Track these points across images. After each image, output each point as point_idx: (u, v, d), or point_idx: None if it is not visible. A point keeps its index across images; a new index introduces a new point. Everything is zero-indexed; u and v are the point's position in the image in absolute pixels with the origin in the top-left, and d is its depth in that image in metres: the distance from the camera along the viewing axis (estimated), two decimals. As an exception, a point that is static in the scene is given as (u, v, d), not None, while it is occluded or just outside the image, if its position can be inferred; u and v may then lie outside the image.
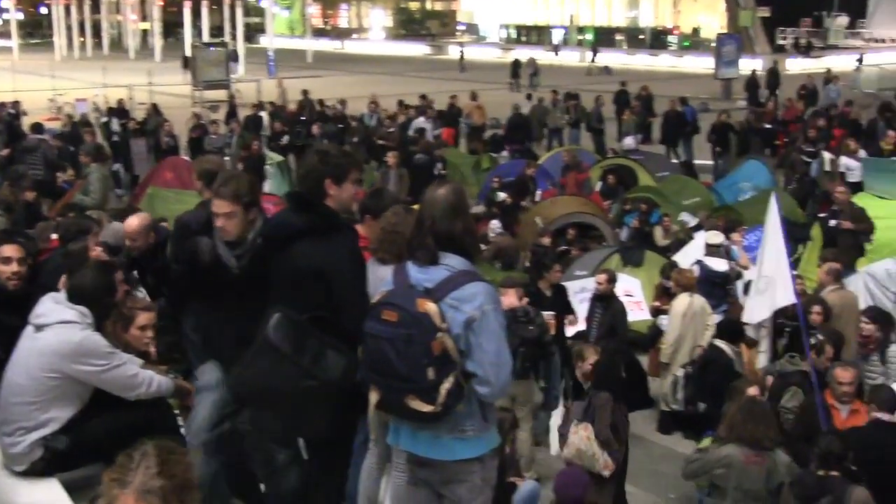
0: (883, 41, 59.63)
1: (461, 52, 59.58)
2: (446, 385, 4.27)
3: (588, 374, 8.86)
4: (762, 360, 9.68)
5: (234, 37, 59.77)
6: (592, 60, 55.08)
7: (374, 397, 4.50)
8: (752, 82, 35.15)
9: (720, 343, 10.00)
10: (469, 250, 4.56)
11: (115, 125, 26.12)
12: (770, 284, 9.20)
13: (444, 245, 4.50)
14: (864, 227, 14.25)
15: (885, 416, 7.56)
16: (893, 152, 20.79)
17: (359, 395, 4.64)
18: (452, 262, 4.47)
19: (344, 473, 5.44)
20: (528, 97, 30.91)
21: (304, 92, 31.14)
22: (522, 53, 56.91)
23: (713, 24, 64.59)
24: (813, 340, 8.89)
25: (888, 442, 7.05)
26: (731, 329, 10.41)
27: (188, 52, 47.53)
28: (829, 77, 33.73)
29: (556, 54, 57.82)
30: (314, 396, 4.79)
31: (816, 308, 10.02)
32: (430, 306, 4.29)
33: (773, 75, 37.49)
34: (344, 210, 5.14)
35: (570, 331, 11.41)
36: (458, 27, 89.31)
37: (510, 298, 9.75)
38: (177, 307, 6.01)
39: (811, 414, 8.24)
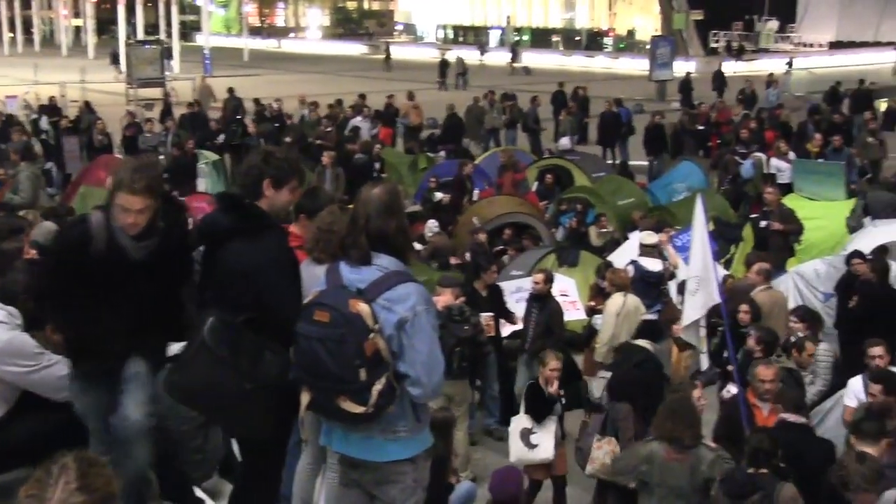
0: (811, 45, 60.75)
1: (386, 50, 59.30)
2: (378, 386, 4.25)
3: (550, 379, 8.87)
4: (703, 361, 9.76)
5: (169, 34, 59.08)
6: (513, 61, 55.31)
7: (305, 398, 4.46)
8: (685, 84, 35.57)
9: (643, 343, 10.03)
10: (402, 250, 4.55)
11: (45, 123, 25.67)
12: (701, 284, 9.28)
13: (377, 244, 4.48)
14: (794, 228, 14.52)
15: (791, 417, 7.68)
16: (820, 154, 21.16)
17: (294, 395, 4.59)
18: (385, 262, 4.45)
19: (278, 474, 5.39)
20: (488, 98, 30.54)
21: (230, 90, 30.73)
22: (462, 54, 57.09)
23: (648, 26, 65.26)
24: (793, 338, 8.86)
25: (794, 442, 7.13)
26: (651, 329, 10.42)
27: (122, 50, 46.87)
28: (770, 80, 34.26)
29: (482, 55, 57.77)
30: (252, 398, 4.74)
31: (744, 307, 10.15)
32: (363, 307, 4.27)
33: (719, 78, 38.04)
34: (277, 214, 5.07)
35: (506, 330, 11.43)
36: (395, 27, 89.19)
37: (446, 298, 9.77)
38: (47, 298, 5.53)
39: (733, 413, 8.31)
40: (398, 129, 28.50)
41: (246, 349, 4.69)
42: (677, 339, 10.16)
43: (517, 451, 8.92)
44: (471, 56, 57.52)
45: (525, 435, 8.87)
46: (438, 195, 19.23)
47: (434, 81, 45.56)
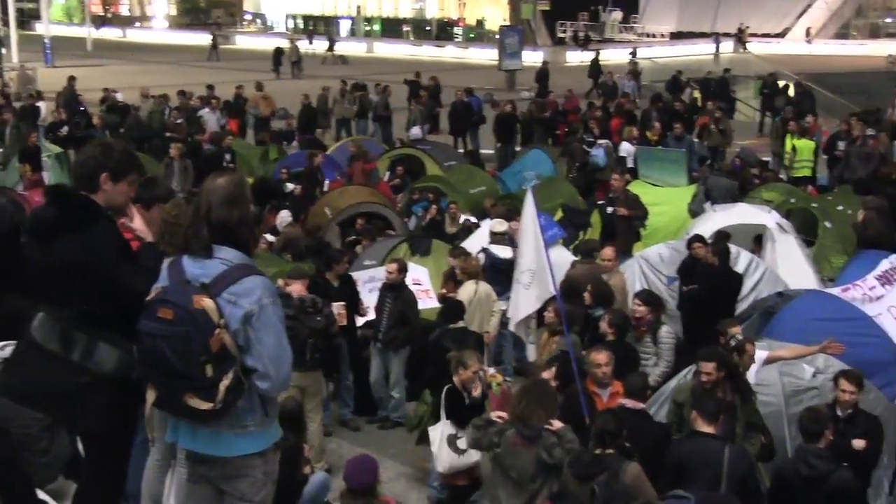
0: (654, 36, 62.54)
1: (213, 40, 58.21)
2: (225, 381, 4.19)
3: (469, 380, 8.77)
4: (530, 351, 9.90)
5: (5, 23, 56.68)
6: (329, 49, 55.13)
7: (151, 396, 4.37)
8: (542, 73, 35.99)
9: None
10: (245, 242, 4.49)
11: None
12: (535, 277, 9.37)
13: (220, 236, 4.40)
14: (639, 214, 14.90)
15: (629, 403, 7.92)
16: (660, 142, 21.81)
17: (136, 388, 4.49)
18: (228, 255, 4.38)
19: (122, 470, 5.26)
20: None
21: (71, 79, 29.70)
22: (316, 44, 56.76)
23: (497, 16, 66.00)
24: (733, 342, 8.94)
25: (633, 426, 7.37)
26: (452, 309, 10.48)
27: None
28: (633, 71, 35.07)
29: (310, 43, 57.17)
30: (89, 391, 4.62)
31: (589, 288, 10.36)
32: (207, 302, 4.20)
33: (595, 65, 38.67)
34: (113, 209, 4.93)
35: (359, 320, 11.40)
36: (244, 16, 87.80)
37: (298, 289, 9.67)
38: None
39: (574, 403, 8.46)
40: (248, 121, 28.09)
41: (78, 342, 4.57)
42: (548, 324, 10.27)
43: (446, 459, 8.67)
44: (322, 45, 57.14)
45: (452, 441, 8.67)
46: (290, 186, 19.04)
47: (269, 70, 45.24)
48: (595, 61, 39.39)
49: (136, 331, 4.31)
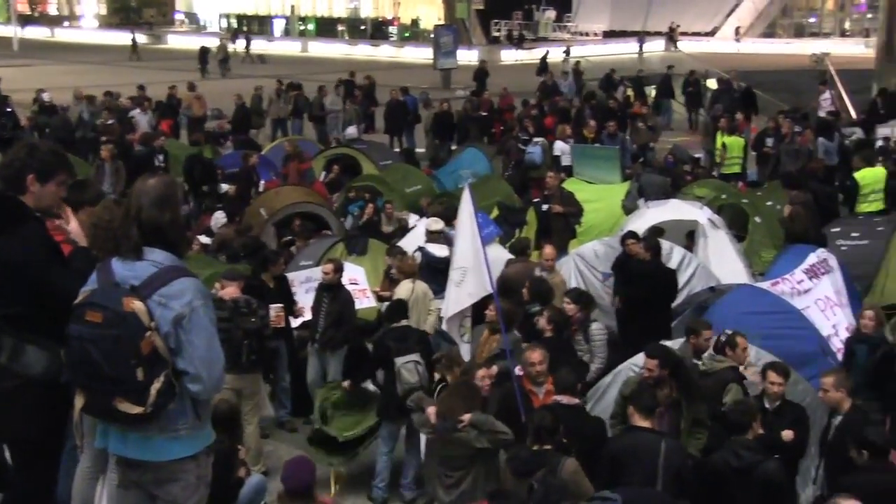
0: (587, 34, 63.01)
1: (133, 39, 57.52)
2: (156, 385, 4.14)
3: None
4: (465, 350, 9.90)
5: (-72, 22, 55.52)
6: (246, 48, 54.76)
7: (79, 401, 4.29)
8: (480, 72, 35.97)
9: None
10: (176, 243, 4.44)
11: None
12: (469, 275, 9.38)
13: (151, 237, 4.34)
14: (574, 211, 15.01)
15: (564, 399, 7.97)
16: (596, 139, 21.98)
17: (65, 392, 4.41)
18: (158, 257, 4.32)
19: (52, 477, 5.16)
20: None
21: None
22: (243, 43, 56.29)
23: (431, 15, 66.03)
24: (723, 337, 9.00)
25: (568, 422, 7.41)
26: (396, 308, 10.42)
27: None
28: (577, 70, 35.18)
29: (233, 42, 56.60)
30: (14, 396, 4.52)
31: (528, 285, 10.40)
32: (137, 304, 4.14)
33: (543, 61, 38.73)
34: (43, 210, 4.84)
35: (296, 321, 11.32)
36: (175, 16, 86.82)
37: (233, 290, 9.59)
38: None
39: (510, 401, 8.48)
40: (181, 121, 27.78)
41: (5, 345, 4.48)
42: (491, 323, 10.30)
43: None
44: (256, 45, 56.75)
45: None
46: (224, 187, 18.86)
47: (193, 69, 44.89)
48: (543, 59, 39.46)
49: (65, 334, 4.23)
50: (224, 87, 34.51)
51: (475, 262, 9.25)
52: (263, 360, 9.81)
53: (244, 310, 9.36)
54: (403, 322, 9.69)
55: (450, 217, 13.72)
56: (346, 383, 9.98)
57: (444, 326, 10.23)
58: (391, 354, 9.24)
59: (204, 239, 15.76)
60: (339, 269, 11.27)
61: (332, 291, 11.05)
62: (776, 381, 8.30)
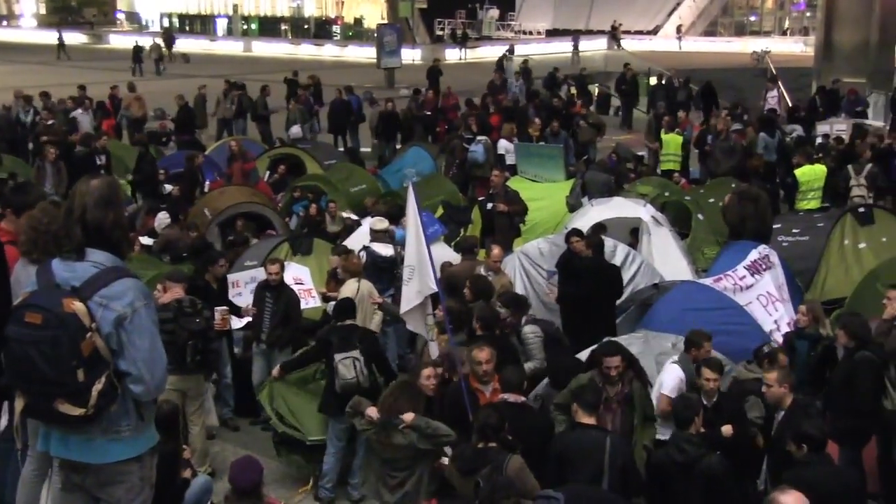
0: (530, 33, 63.28)
1: (59, 38, 56.63)
2: (98, 386, 4.10)
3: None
4: (433, 349, 9.91)
5: None
6: (170, 48, 54.26)
7: (20, 404, 4.23)
8: (433, 71, 35.75)
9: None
10: (118, 245, 4.41)
11: None
12: (416, 273, 9.40)
13: (93, 238, 4.30)
14: (518, 209, 15.05)
15: (510, 397, 7.98)
16: (540, 138, 22.09)
17: (6, 396, 4.36)
18: (100, 258, 4.29)
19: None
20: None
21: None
22: (186, 43, 55.82)
23: (375, 14, 65.92)
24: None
25: (513, 422, 7.40)
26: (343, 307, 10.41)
27: None
28: (526, 68, 35.21)
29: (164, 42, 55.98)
30: None
31: (467, 284, 10.42)
32: (78, 306, 4.10)
33: (500, 62, 38.66)
34: None
35: (238, 322, 11.23)
36: (116, 15, 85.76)
37: (177, 292, 9.52)
38: None
39: (457, 399, 8.47)
40: (122, 121, 27.48)
41: None
42: (438, 323, 10.33)
43: None
44: (199, 44, 56.26)
45: None
46: (168, 187, 18.68)
47: (127, 68, 44.56)
48: (501, 59, 39.41)
49: (3, 337, 4.17)
50: (165, 87, 34.19)
51: (420, 261, 9.27)
52: (208, 361, 9.73)
53: (189, 310, 9.28)
54: (349, 321, 9.69)
55: (395, 215, 13.74)
56: (275, 371, 9.96)
57: (409, 326, 10.22)
58: (332, 350, 9.26)
59: (145, 240, 15.59)
60: (283, 269, 11.26)
61: (275, 291, 11.01)
62: (710, 377, 8.38)
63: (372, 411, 7.79)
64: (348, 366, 9.15)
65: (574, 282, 11.38)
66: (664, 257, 13.35)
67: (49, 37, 68.62)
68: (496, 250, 11.99)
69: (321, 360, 9.62)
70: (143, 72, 44.78)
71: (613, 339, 9.19)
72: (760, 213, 13.36)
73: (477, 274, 11.05)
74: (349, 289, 11.09)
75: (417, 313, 9.71)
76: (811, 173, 16.48)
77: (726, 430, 8.11)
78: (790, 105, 28.30)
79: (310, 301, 12.51)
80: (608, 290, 11.33)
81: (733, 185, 15.75)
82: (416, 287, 9.39)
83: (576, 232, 12.03)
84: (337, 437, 9.33)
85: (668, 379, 8.82)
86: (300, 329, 11.23)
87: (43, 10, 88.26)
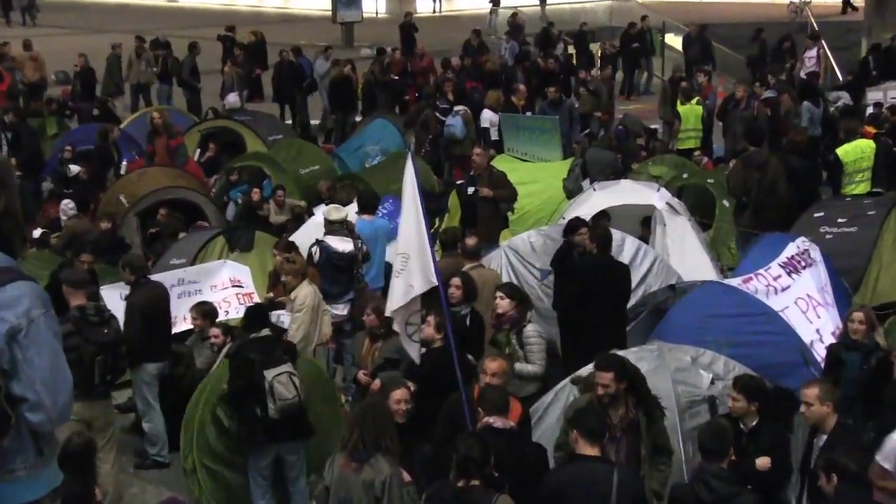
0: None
1: None
2: (-15, 416, 4.05)
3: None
4: (414, 350, 9.90)
5: None
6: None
7: None
8: (407, 27, 35.25)
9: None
10: (10, 238, 4.35)
11: None
12: (412, 264, 9.37)
13: None
14: (505, 195, 14.90)
15: (497, 422, 7.94)
16: (527, 107, 22.01)
17: None
18: (-15, 256, 4.24)
19: None
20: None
21: None
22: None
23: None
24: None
25: (500, 452, 7.35)
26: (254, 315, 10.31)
27: None
28: (515, 24, 35.00)
29: None
30: None
31: (455, 282, 10.40)
32: (-44, 318, 4.05)
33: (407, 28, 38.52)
34: None
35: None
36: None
37: (78, 297, 9.41)
38: None
39: (456, 412, 8.54)
40: (16, 87, 27.30)
41: None
42: (371, 329, 10.34)
43: None
44: None
45: None
46: (74, 168, 18.60)
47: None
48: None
49: None
50: (69, 45, 33.95)
51: (420, 248, 9.25)
52: (114, 381, 9.61)
53: (94, 319, 9.16)
54: (264, 331, 9.67)
55: (367, 205, 13.65)
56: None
57: (395, 326, 10.26)
58: (256, 368, 9.20)
59: (37, 233, 15.47)
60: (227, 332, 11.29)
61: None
62: (738, 396, 8.42)
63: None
64: (286, 383, 9.14)
65: (574, 283, 11.34)
66: (682, 252, 13.41)
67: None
68: (471, 240, 11.96)
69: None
70: (10, 21, 44.52)
71: (614, 352, 9.15)
72: (768, 182, 13.36)
73: (466, 273, 11.01)
74: (306, 294, 11.13)
75: (401, 311, 9.70)
76: (856, 151, 16.30)
77: (762, 462, 8.12)
78: (832, 67, 28.41)
79: (251, 307, 12.50)
80: (612, 293, 11.28)
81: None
82: (410, 280, 9.36)
83: (580, 222, 11.88)
84: (262, 475, 9.32)
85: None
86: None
87: None
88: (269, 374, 9.13)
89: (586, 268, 11.44)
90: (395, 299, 9.66)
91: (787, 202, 14.26)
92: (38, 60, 27.72)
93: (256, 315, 9.89)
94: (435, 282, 9.23)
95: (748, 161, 13.82)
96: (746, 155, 14.37)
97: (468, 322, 10.41)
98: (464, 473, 7.01)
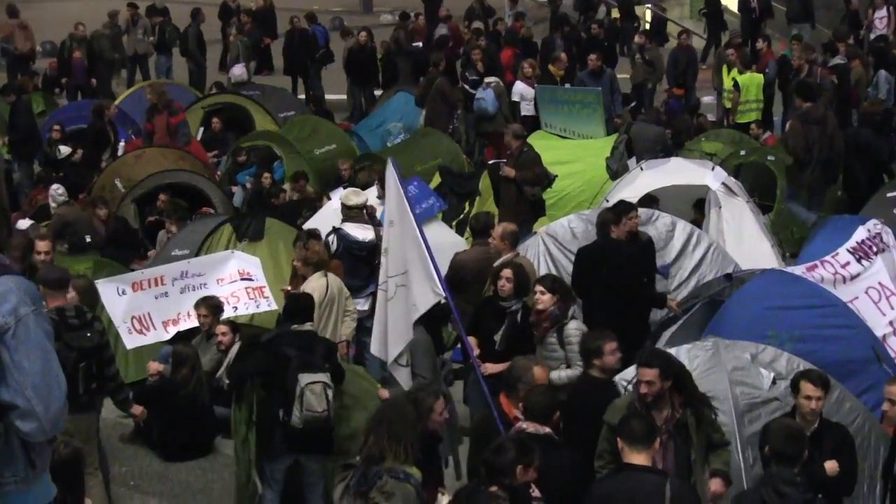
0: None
1: None
2: (-29, 425, 4.10)
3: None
4: (403, 375, 9.91)
5: None
6: None
7: None
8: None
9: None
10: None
11: None
12: (411, 282, 9.36)
13: None
14: (529, 176, 14.68)
15: (531, 427, 7.97)
16: (567, 78, 21.92)
17: None
18: (-31, 249, 4.28)
19: None
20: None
21: None
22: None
23: None
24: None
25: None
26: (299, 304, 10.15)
27: None
28: None
29: None
30: None
31: (506, 273, 10.34)
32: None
33: None
34: None
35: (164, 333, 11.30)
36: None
37: (58, 298, 9.38)
38: None
39: (489, 426, 8.55)
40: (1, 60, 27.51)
41: None
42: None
43: None
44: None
45: None
46: (65, 149, 18.68)
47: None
48: None
49: None
50: (58, 14, 34.05)
51: (418, 262, 9.21)
52: (104, 390, 9.60)
53: (75, 322, 9.07)
54: (307, 325, 9.62)
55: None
56: None
57: (373, 350, 10.25)
58: (291, 368, 9.11)
59: (23, 223, 15.50)
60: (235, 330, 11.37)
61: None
62: (814, 394, 8.33)
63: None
64: (319, 395, 9.02)
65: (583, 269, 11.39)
66: (739, 238, 13.38)
67: None
68: (499, 228, 11.91)
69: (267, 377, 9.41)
70: None
71: (659, 349, 9.12)
72: (829, 138, 13.29)
73: (517, 263, 10.92)
74: (316, 286, 11.07)
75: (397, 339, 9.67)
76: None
77: (831, 466, 8.11)
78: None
79: (261, 303, 12.55)
80: (623, 275, 11.25)
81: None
82: (412, 299, 9.31)
83: (629, 206, 11.80)
84: (275, 479, 9.34)
85: None
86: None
87: None
88: (304, 378, 9.01)
89: (594, 251, 11.49)
90: (399, 332, 9.59)
91: (843, 161, 14.20)
92: (27, 29, 27.70)
93: (302, 305, 9.83)
94: (442, 294, 9.21)
95: (805, 117, 13.78)
96: (803, 111, 14.33)
97: (519, 318, 10.33)
98: (493, 483, 7.07)
